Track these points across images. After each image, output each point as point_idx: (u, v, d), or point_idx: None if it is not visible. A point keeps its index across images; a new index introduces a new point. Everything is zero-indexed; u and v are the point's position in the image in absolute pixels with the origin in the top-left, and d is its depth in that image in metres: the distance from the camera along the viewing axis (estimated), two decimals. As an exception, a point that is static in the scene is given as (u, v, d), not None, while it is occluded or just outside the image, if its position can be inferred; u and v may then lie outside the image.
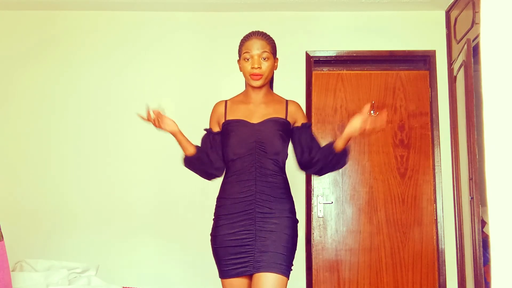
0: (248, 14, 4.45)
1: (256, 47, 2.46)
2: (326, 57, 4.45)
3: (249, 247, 2.34)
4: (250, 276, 2.36)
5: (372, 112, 4.30)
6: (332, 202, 4.30)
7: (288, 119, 2.52)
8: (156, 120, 2.44)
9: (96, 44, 4.46)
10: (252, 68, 2.46)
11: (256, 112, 2.51)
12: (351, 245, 4.25)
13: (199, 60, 4.43)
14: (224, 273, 2.39)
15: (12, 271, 2.64)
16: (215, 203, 2.51)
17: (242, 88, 4.33)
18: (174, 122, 2.48)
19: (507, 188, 0.79)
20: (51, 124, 4.36)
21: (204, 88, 4.41)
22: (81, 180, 4.29)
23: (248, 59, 2.48)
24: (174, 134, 2.48)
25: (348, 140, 2.41)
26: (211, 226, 2.49)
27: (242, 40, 2.55)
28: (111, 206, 4.25)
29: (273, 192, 2.40)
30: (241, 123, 2.47)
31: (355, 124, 2.35)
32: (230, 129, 2.48)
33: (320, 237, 4.25)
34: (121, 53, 4.44)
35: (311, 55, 4.41)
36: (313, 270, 4.22)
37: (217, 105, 2.61)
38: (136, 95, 4.38)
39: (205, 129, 2.59)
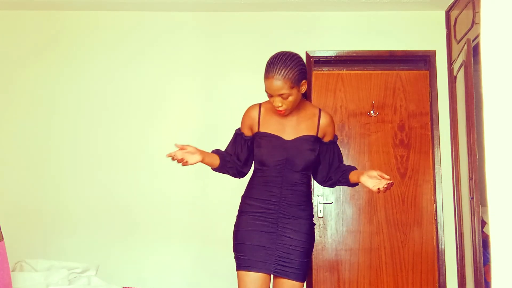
0: (248, 14, 4.45)
1: (273, 89, 2.38)
2: (326, 57, 4.45)
3: (269, 248, 2.43)
4: (267, 274, 2.45)
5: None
6: (332, 202, 4.30)
7: (319, 135, 2.56)
8: (183, 158, 2.39)
9: (96, 44, 4.46)
10: (275, 106, 2.44)
11: (289, 127, 2.52)
12: (351, 245, 4.25)
13: (199, 59, 4.43)
14: (241, 265, 2.46)
15: (12, 271, 2.64)
16: (240, 201, 2.58)
17: (242, 87, 4.35)
18: (196, 150, 2.44)
19: (507, 188, 0.79)
20: (51, 124, 4.36)
21: (204, 88, 4.41)
22: (81, 180, 4.29)
23: (271, 95, 2.43)
24: (201, 161, 2.48)
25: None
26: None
27: (265, 71, 2.43)
28: (112, 206, 4.25)
29: (298, 199, 2.50)
30: (274, 138, 2.50)
31: (369, 184, 2.41)
32: (262, 142, 2.51)
33: (320, 237, 4.25)
34: (121, 53, 4.44)
35: (311, 55, 4.41)
36: (313, 270, 4.22)
37: (251, 109, 2.59)
38: (136, 95, 4.39)
39: (238, 131, 2.61)
